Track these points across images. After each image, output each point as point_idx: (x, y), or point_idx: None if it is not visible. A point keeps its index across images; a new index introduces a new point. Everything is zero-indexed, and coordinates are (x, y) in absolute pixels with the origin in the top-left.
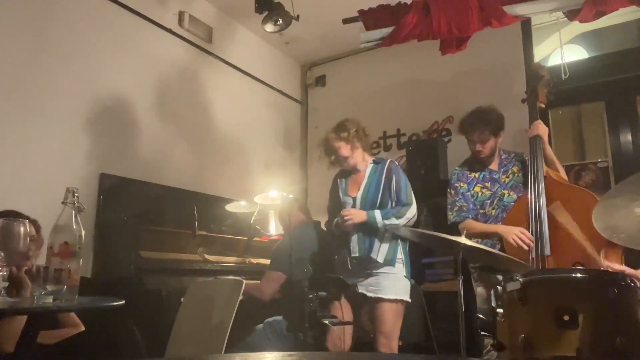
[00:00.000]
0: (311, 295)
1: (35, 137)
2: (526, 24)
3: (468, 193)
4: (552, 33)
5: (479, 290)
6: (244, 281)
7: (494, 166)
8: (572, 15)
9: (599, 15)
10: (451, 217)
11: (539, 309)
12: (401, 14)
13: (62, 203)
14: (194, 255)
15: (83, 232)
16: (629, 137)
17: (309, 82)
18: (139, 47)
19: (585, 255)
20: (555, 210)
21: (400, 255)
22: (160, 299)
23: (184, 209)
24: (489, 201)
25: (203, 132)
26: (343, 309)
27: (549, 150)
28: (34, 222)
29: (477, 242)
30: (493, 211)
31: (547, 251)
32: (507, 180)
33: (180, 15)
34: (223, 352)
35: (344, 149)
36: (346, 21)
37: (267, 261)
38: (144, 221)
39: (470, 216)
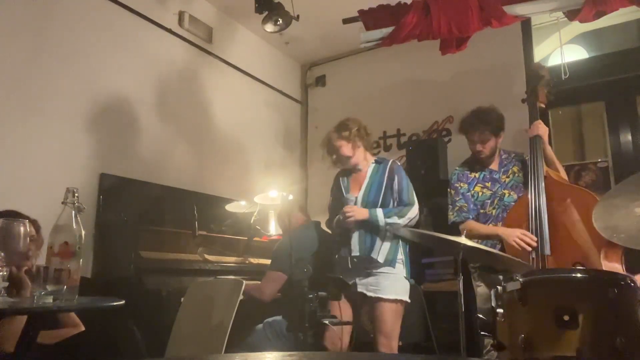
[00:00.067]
0: (311, 295)
1: (35, 137)
2: (526, 24)
3: (468, 193)
4: (552, 33)
5: (479, 290)
6: (244, 281)
7: (494, 166)
8: (572, 15)
9: (599, 15)
10: (451, 217)
11: (539, 309)
12: (401, 14)
13: (62, 203)
14: (194, 255)
15: (83, 232)
16: (629, 137)
17: (309, 82)
18: (139, 47)
19: (585, 255)
20: (562, 209)
21: (400, 255)
22: (160, 299)
23: (184, 209)
24: (489, 201)
25: (203, 132)
26: (342, 309)
27: (549, 150)
28: (34, 222)
29: (477, 242)
30: (494, 211)
31: (548, 251)
32: (507, 180)
33: (180, 15)
34: (223, 352)
35: (346, 148)
36: (346, 21)
37: (267, 261)
38: (144, 221)
39: (470, 216)
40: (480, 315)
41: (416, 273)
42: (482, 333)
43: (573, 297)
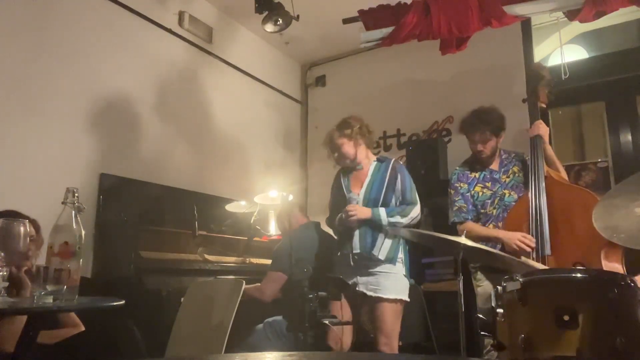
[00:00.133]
0: (311, 295)
1: (35, 137)
2: (526, 24)
3: (468, 193)
4: (552, 33)
5: (479, 290)
6: (244, 281)
7: (494, 166)
8: (572, 15)
9: (599, 15)
10: (451, 217)
11: (539, 309)
12: (401, 14)
13: (62, 203)
14: (194, 255)
15: (83, 232)
16: (629, 137)
17: (309, 82)
18: (139, 47)
19: (585, 255)
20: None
21: (400, 254)
22: (160, 299)
23: (184, 209)
24: (489, 201)
25: (203, 132)
26: (342, 309)
27: (550, 150)
28: (34, 222)
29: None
30: (494, 211)
31: (548, 251)
32: (507, 180)
33: (180, 15)
34: (223, 352)
35: (347, 146)
36: (346, 21)
37: (267, 261)
38: (144, 221)
39: (469, 217)
40: (480, 315)
41: (416, 273)
42: (482, 333)
43: (573, 297)
